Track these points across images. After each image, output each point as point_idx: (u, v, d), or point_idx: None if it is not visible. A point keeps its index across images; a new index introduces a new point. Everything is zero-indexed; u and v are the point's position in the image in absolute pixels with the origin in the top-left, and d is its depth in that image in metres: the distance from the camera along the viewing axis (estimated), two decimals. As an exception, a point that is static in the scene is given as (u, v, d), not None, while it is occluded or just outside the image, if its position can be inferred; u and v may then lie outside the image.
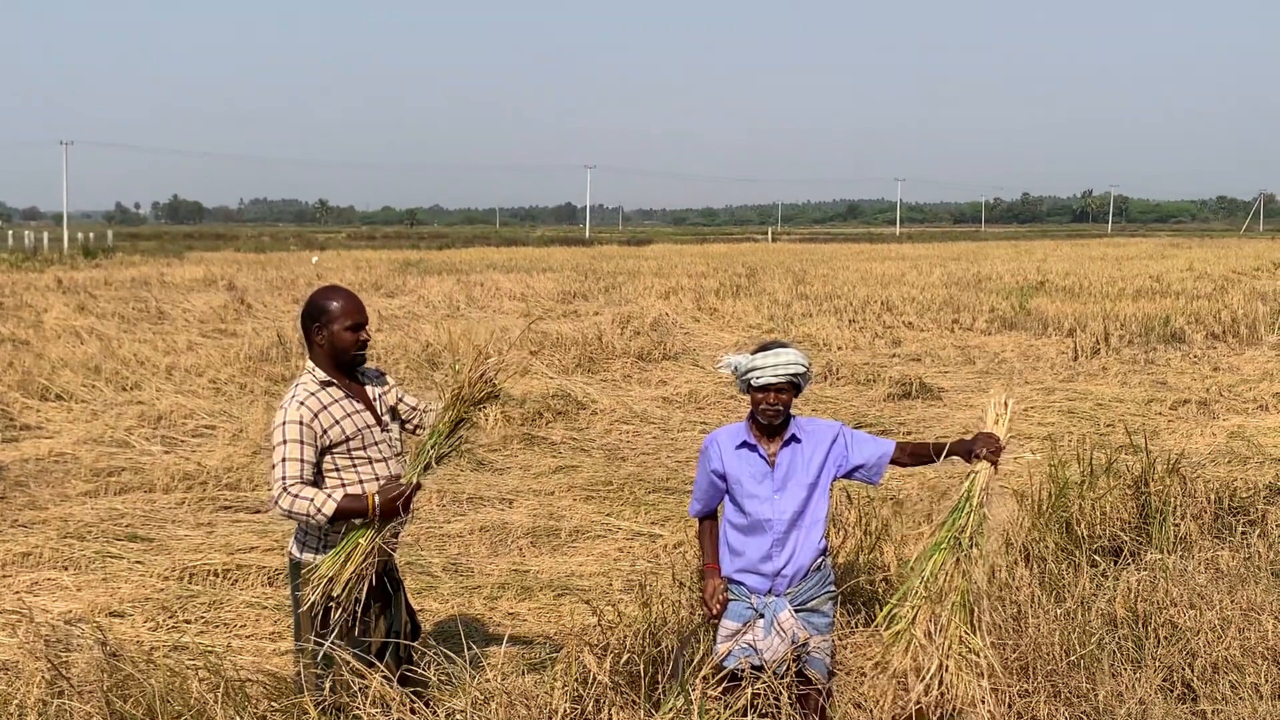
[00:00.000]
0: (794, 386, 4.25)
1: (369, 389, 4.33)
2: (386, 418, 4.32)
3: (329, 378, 4.18)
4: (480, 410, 4.20)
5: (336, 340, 4.17)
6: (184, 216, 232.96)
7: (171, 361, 14.99)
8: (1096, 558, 6.15)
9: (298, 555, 4.22)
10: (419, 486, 4.18)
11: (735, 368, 4.29)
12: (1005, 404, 4.33)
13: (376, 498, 4.06)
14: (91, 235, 64.39)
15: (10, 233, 65.87)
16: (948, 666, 4.04)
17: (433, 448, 4.13)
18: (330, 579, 4.00)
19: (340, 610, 4.04)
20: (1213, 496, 7.09)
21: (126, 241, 65.04)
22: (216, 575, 6.88)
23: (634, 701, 4.22)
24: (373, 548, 4.04)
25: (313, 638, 4.13)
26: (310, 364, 4.22)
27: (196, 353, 16.14)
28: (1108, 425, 11.33)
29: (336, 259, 45.48)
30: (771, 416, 4.25)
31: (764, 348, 4.29)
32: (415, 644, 4.40)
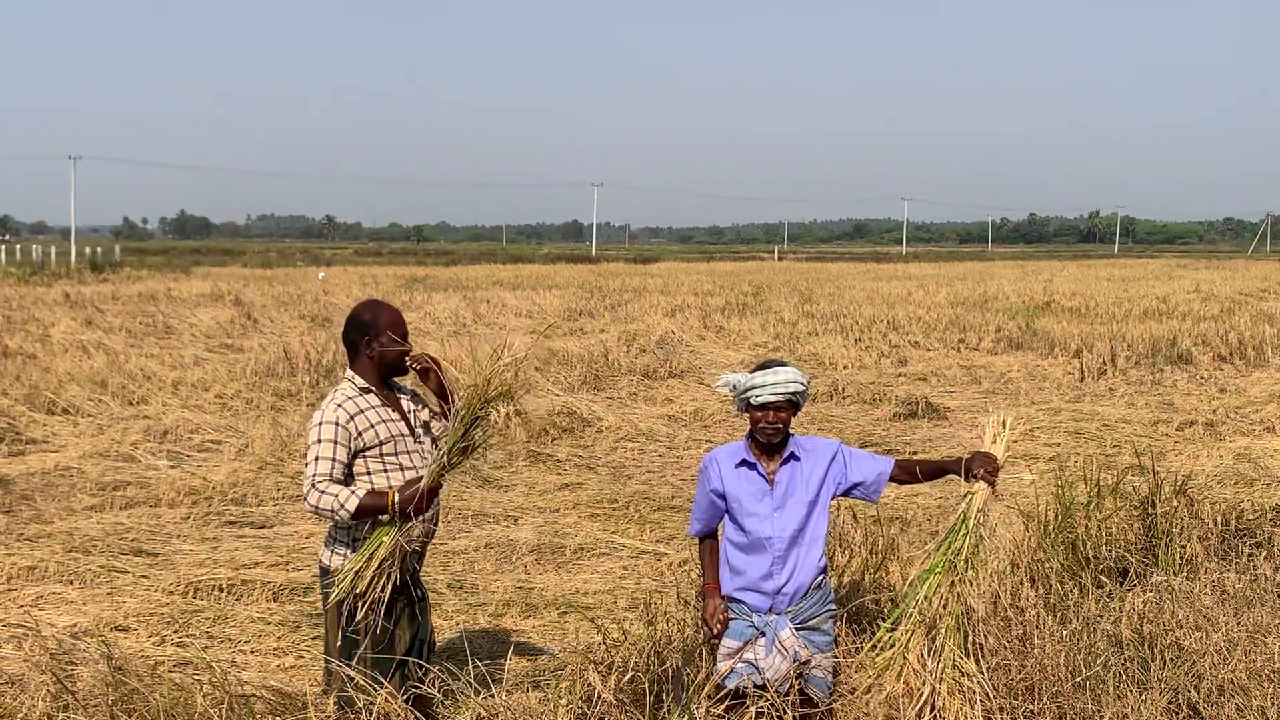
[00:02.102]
0: (793, 405, 4.26)
1: (404, 402, 4.48)
2: (419, 430, 4.45)
3: (368, 385, 4.34)
4: (493, 407, 4.26)
5: (386, 352, 4.33)
6: (191, 232, 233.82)
7: (178, 376, 15.02)
8: (1102, 579, 6.13)
9: (326, 561, 4.33)
10: (439, 486, 4.25)
11: (734, 386, 4.30)
12: (1004, 424, 4.33)
13: (396, 494, 4.16)
14: (99, 250, 64.60)
15: (19, 247, 66.14)
16: (940, 692, 4.03)
17: (449, 448, 4.19)
18: (356, 573, 4.12)
19: (366, 608, 4.12)
20: (1219, 518, 7.07)
21: (134, 256, 65.28)
22: (221, 590, 6.88)
23: (638, 720, 4.22)
24: (396, 546, 4.15)
25: (340, 636, 4.22)
26: (350, 372, 4.38)
27: (203, 367, 16.18)
28: (1114, 446, 11.31)
29: (343, 275, 45.58)
30: (771, 435, 4.26)
31: (762, 366, 4.30)
32: (425, 662, 4.42)
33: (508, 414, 11.03)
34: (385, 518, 4.18)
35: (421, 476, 4.29)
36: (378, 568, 4.11)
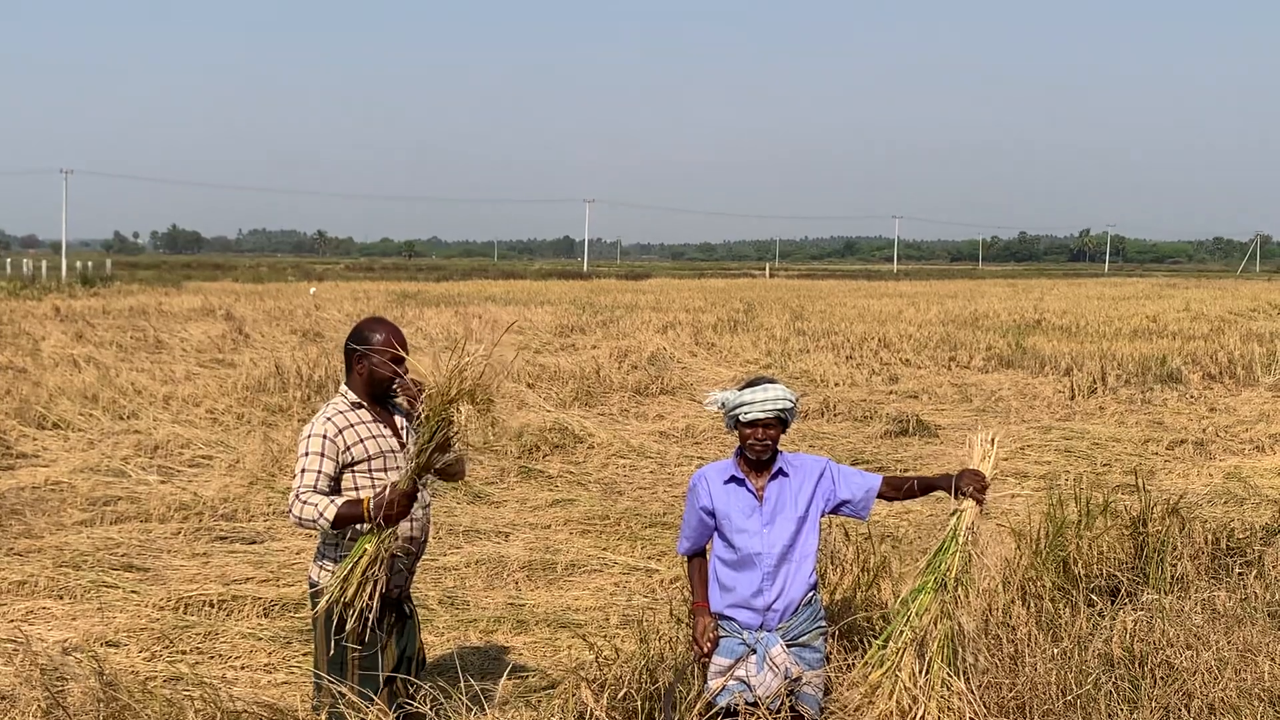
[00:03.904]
0: (781, 422, 4.29)
1: (398, 419, 4.47)
2: (411, 448, 4.40)
3: (359, 400, 4.34)
4: (454, 407, 4.14)
5: (376, 370, 4.31)
6: (182, 246, 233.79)
7: (169, 391, 14.98)
8: (1094, 597, 6.15)
9: (315, 576, 4.34)
10: (413, 492, 4.19)
11: (723, 404, 4.33)
12: (992, 442, 4.36)
13: (371, 502, 4.14)
14: (90, 264, 64.57)
15: (9, 261, 66.08)
16: (930, 710, 4.04)
17: (416, 451, 4.18)
18: (342, 582, 4.13)
19: (354, 617, 4.12)
20: (1209, 537, 7.09)
21: (125, 270, 65.21)
22: (212, 606, 6.86)
23: (630, 737, 4.22)
24: (379, 554, 4.14)
25: (329, 650, 4.22)
26: (344, 387, 4.39)
27: (194, 382, 16.14)
28: (1104, 464, 11.35)
29: (334, 290, 45.57)
30: (760, 451, 4.28)
31: (751, 384, 4.33)
32: (415, 679, 4.41)
33: (485, 416, 10.99)
34: (365, 526, 4.17)
35: (424, 499, 4.29)
36: (362, 576, 4.12)
